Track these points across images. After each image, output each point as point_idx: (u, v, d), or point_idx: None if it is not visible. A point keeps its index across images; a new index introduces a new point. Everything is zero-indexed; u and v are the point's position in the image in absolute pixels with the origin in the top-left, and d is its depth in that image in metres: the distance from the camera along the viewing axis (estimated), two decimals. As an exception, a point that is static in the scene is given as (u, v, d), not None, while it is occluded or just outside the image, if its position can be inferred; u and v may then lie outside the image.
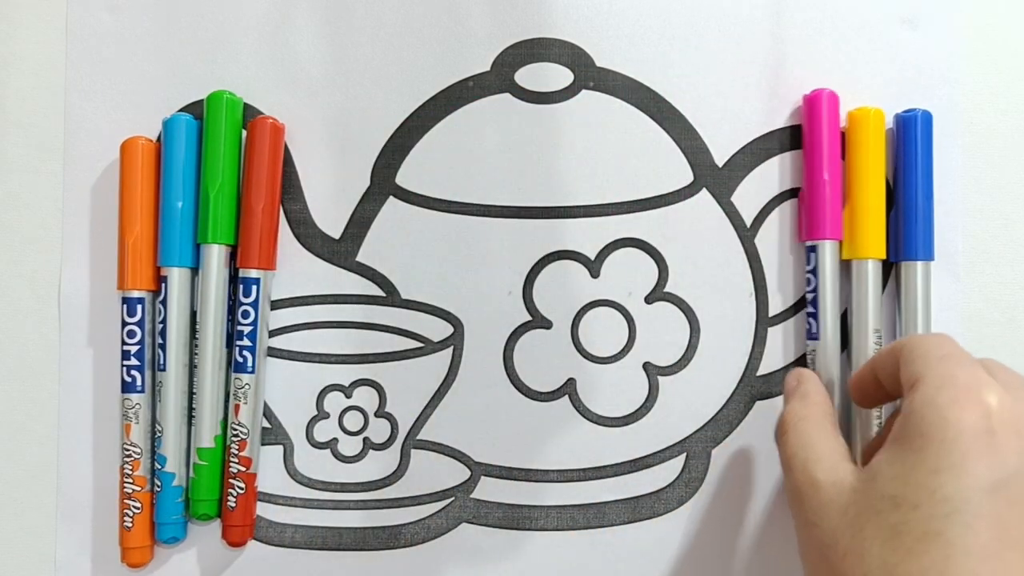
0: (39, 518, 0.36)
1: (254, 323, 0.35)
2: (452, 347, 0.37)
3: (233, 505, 0.35)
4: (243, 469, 0.35)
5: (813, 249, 0.35)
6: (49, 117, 0.37)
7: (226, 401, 0.35)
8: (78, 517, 0.36)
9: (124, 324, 0.35)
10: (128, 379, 0.35)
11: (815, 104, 0.36)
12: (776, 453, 0.31)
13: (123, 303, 0.35)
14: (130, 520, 0.35)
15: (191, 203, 0.36)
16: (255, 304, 0.35)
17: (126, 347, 0.35)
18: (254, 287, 0.35)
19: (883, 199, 0.35)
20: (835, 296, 0.35)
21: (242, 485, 0.35)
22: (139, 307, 0.35)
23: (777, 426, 0.31)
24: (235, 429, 0.35)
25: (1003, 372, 0.27)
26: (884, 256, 0.36)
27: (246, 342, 0.35)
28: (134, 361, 0.35)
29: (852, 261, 0.35)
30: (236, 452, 0.35)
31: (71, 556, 0.36)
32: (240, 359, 0.35)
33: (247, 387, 0.35)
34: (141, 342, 0.35)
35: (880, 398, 0.31)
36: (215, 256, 0.35)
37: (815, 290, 0.35)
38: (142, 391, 0.35)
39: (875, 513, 0.25)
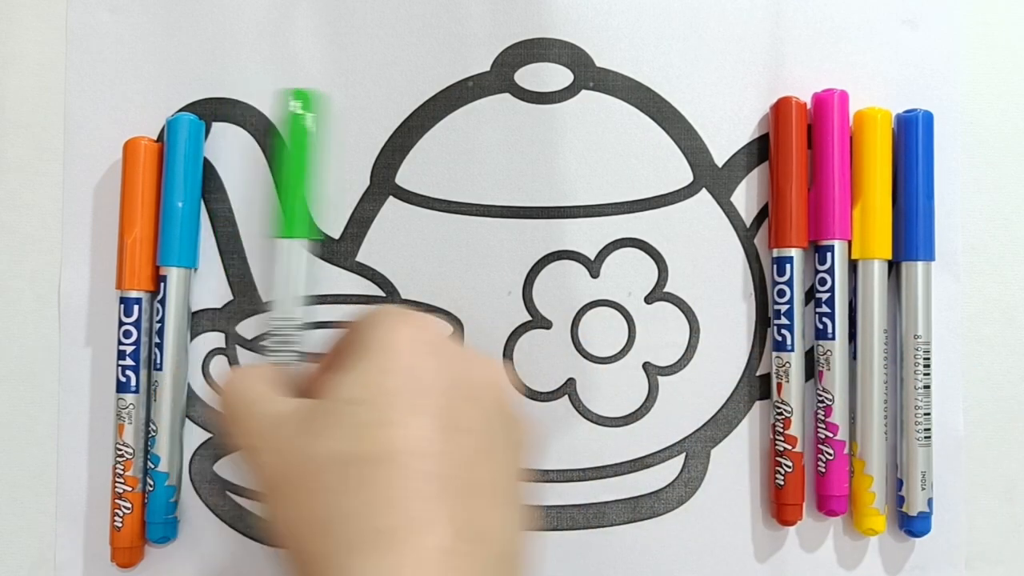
0: (39, 518, 0.36)
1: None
2: (452, 347, 0.36)
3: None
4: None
5: (829, 249, 0.35)
6: (49, 117, 0.37)
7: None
8: (78, 517, 0.36)
9: (121, 324, 0.35)
10: (123, 379, 0.35)
11: (825, 104, 0.35)
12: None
13: (120, 303, 0.35)
14: (120, 520, 0.35)
15: (192, 203, 0.36)
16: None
17: (122, 347, 0.35)
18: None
19: (889, 199, 0.35)
20: (845, 296, 0.35)
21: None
22: (136, 307, 0.35)
23: (220, 398, 0.29)
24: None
25: None
26: (890, 256, 0.36)
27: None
28: (129, 361, 0.35)
29: (859, 261, 0.35)
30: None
31: (70, 556, 0.36)
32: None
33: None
34: (137, 342, 0.35)
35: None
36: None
37: (831, 290, 0.35)
38: (136, 391, 0.35)
39: (333, 417, 0.25)
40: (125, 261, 0.35)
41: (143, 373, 0.36)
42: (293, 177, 0.35)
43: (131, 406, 0.35)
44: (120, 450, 0.35)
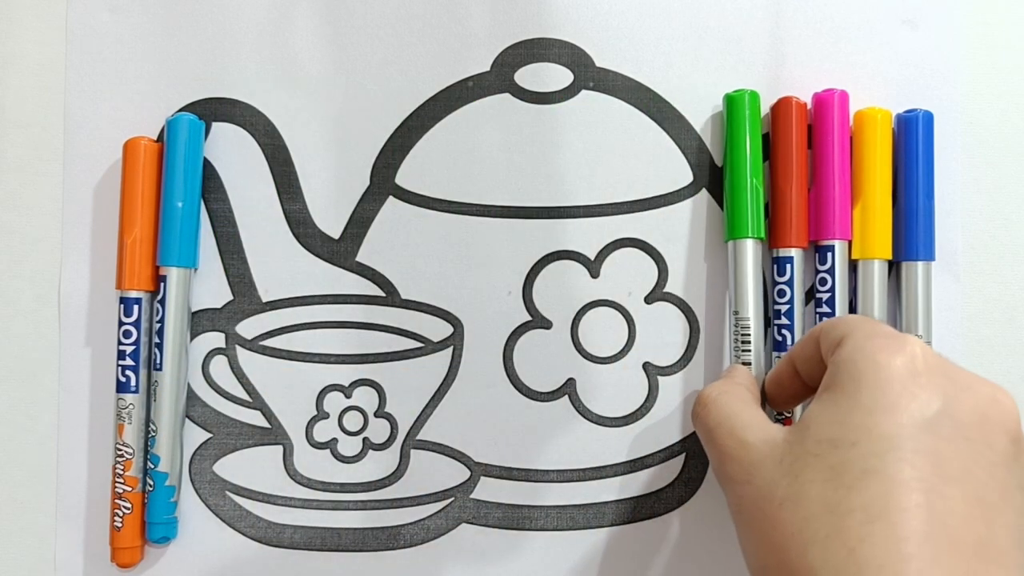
0: (39, 518, 0.36)
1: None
2: (452, 347, 0.37)
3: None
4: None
5: (830, 249, 0.35)
6: (49, 117, 0.37)
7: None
8: (77, 517, 0.36)
9: (121, 324, 0.35)
10: (123, 379, 0.35)
11: (826, 104, 0.35)
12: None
13: (120, 303, 0.35)
14: (120, 520, 0.35)
15: (192, 203, 0.36)
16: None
17: (122, 347, 0.35)
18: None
19: (889, 199, 0.36)
20: (845, 296, 0.35)
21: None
22: (136, 307, 0.35)
23: (695, 404, 0.31)
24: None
25: None
26: (891, 256, 0.36)
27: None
28: (129, 361, 0.35)
29: (860, 261, 0.35)
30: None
31: (70, 556, 0.36)
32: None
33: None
34: (137, 342, 0.35)
35: (796, 393, 0.31)
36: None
37: (831, 290, 0.35)
38: (136, 391, 0.35)
39: (813, 457, 0.25)
40: (125, 261, 0.35)
41: (143, 373, 0.36)
42: (741, 178, 0.35)
43: (131, 406, 0.35)
44: (120, 450, 0.35)
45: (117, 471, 0.35)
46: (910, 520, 0.22)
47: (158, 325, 0.35)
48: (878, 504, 0.23)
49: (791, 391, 0.31)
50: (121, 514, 0.35)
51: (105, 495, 0.36)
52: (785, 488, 0.25)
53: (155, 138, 0.37)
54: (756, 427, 0.28)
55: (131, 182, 0.36)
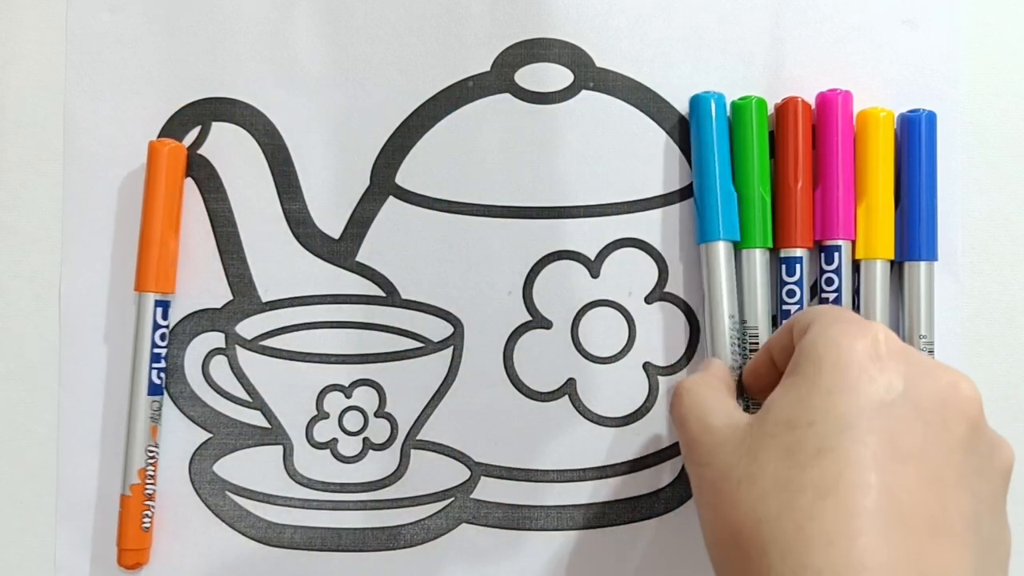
0: (39, 518, 0.36)
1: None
2: (452, 347, 0.37)
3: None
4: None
5: (836, 249, 0.35)
6: (49, 117, 0.37)
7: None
8: (78, 517, 0.36)
9: (156, 327, 0.35)
10: (156, 381, 0.35)
11: (830, 104, 0.35)
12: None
13: (157, 306, 0.36)
14: (148, 521, 0.35)
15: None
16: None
17: (156, 350, 0.35)
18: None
19: (892, 200, 0.36)
20: (850, 297, 0.35)
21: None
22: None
23: (671, 396, 0.32)
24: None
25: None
26: (893, 256, 0.36)
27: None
28: (162, 364, 0.36)
29: (863, 261, 0.35)
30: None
31: (71, 556, 0.36)
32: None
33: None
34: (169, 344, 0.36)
35: (773, 382, 0.31)
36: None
37: (838, 290, 0.35)
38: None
39: (770, 438, 0.25)
40: (154, 263, 0.35)
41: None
42: (751, 188, 0.35)
43: (162, 408, 0.36)
44: (151, 452, 0.35)
45: (148, 473, 0.35)
46: (861, 497, 0.23)
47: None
48: (830, 482, 0.23)
49: (768, 380, 0.32)
50: (150, 515, 0.35)
51: (109, 495, 0.36)
52: (743, 468, 0.25)
53: (156, 136, 0.37)
54: (722, 413, 0.29)
55: (167, 185, 0.36)
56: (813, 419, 0.24)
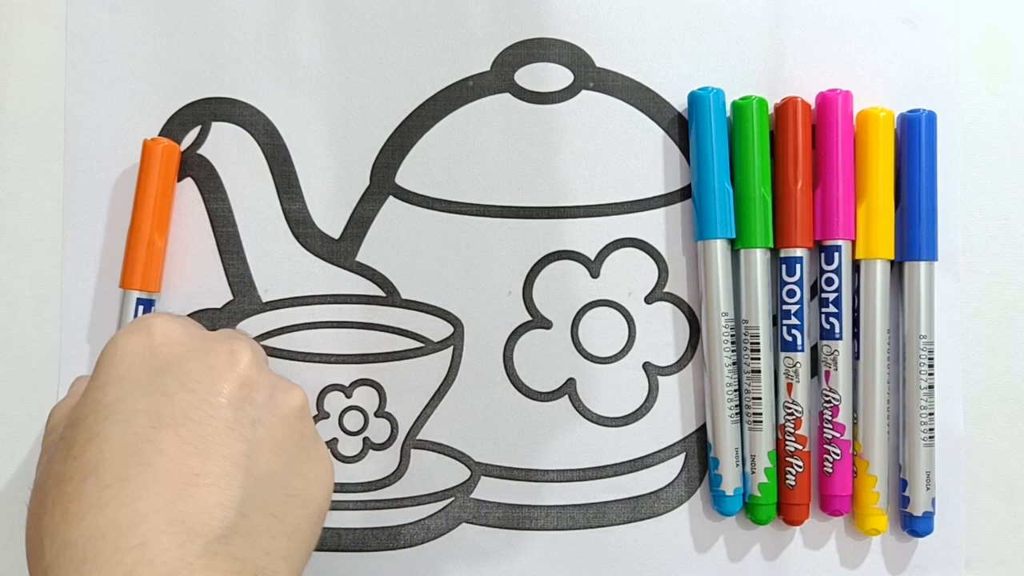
0: (39, 518, 0.36)
1: (801, 302, 0.35)
2: (452, 347, 0.37)
3: (792, 484, 0.35)
4: (800, 448, 0.35)
5: (836, 249, 0.35)
6: (49, 117, 0.37)
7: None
8: (78, 517, 0.36)
9: None
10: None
11: (830, 104, 0.35)
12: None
13: (138, 304, 0.35)
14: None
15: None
16: None
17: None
18: None
19: (892, 200, 0.36)
20: (850, 296, 0.35)
21: (800, 464, 0.35)
22: None
23: None
24: (789, 408, 0.35)
25: None
26: (893, 256, 0.36)
27: (794, 320, 0.35)
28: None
29: (863, 261, 0.35)
30: (792, 431, 0.35)
31: (71, 556, 0.36)
32: (789, 338, 0.35)
33: (798, 365, 0.35)
34: None
35: None
36: None
37: (838, 290, 0.35)
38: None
39: (58, 439, 0.27)
40: (147, 262, 0.36)
41: None
42: (751, 188, 0.35)
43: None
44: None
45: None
46: (113, 468, 0.25)
47: None
48: (92, 464, 0.25)
49: None
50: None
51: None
52: (37, 477, 0.27)
53: (156, 135, 0.37)
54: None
55: (162, 185, 0.35)
56: (87, 413, 0.26)
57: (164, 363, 0.27)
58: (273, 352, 0.37)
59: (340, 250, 0.37)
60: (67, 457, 0.26)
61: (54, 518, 0.25)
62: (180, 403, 0.26)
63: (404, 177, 0.37)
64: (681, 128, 0.37)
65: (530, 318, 0.37)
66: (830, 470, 0.35)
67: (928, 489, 0.35)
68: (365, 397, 0.37)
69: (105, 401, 0.26)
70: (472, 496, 0.36)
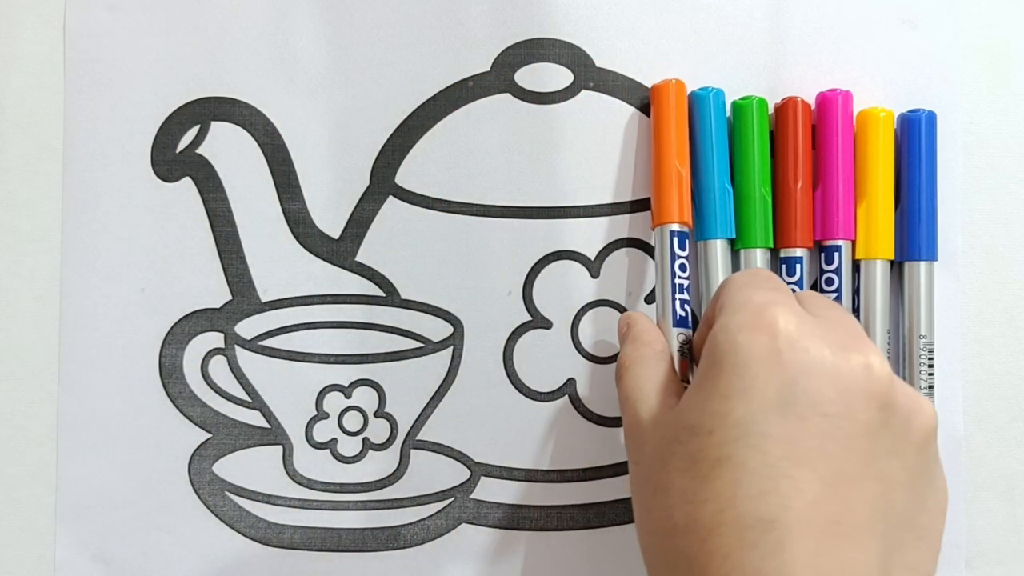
0: (39, 518, 0.36)
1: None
2: (452, 347, 0.37)
3: None
4: None
5: (836, 249, 0.35)
6: (49, 117, 0.37)
7: None
8: (78, 517, 0.36)
9: (674, 256, 0.34)
10: (682, 313, 0.34)
11: (830, 104, 0.35)
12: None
13: (672, 236, 0.35)
14: None
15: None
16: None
17: (678, 280, 0.34)
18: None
19: (892, 200, 0.36)
20: (851, 297, 0.35)
21: None
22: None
23: (616, 370, 0.31)
24: None
25: (812, 299, 0.28)
26: (893, 256, 0.36)
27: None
28: (687, 295, 0.34)
29: (863, 261, 0.35)
30: None
31: (70, 556, 0.36)
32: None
33: None
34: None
35: None
36: None
37: (838, 290, 0.35)
38: None
39: (678, 444, 0.25)
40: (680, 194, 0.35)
41: None
42: (752, 188, 0.35)
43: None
44: None
45: None
46: (756, 508, 0.23)
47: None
48: (727, 493, 0.23)
49: None
50: None
51: (109, 495, 0.36)
52: (657, 475, 0.26)
53: (155, 135, 0.37)
54: (651, 404, 0.28)
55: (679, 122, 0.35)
56: (712, 427, 0.24)
57: (792, 376, 0.24)
58: (273, 352, 0.37)
59: (340, 250, 0.37)
60: (694, 472, 0.24)
61: (690, 543, 0.23)
62: (815, 431, 0.23)
63: (404, 177, 0.37)
64: (681, 128, 0.37)
65: (530, 318, 0.37)
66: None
67: (928, 489, 0.35)
68: (365, 397, 0.37)
69: (733, 417, 0.24)
70: (472, 496, 0.36)
